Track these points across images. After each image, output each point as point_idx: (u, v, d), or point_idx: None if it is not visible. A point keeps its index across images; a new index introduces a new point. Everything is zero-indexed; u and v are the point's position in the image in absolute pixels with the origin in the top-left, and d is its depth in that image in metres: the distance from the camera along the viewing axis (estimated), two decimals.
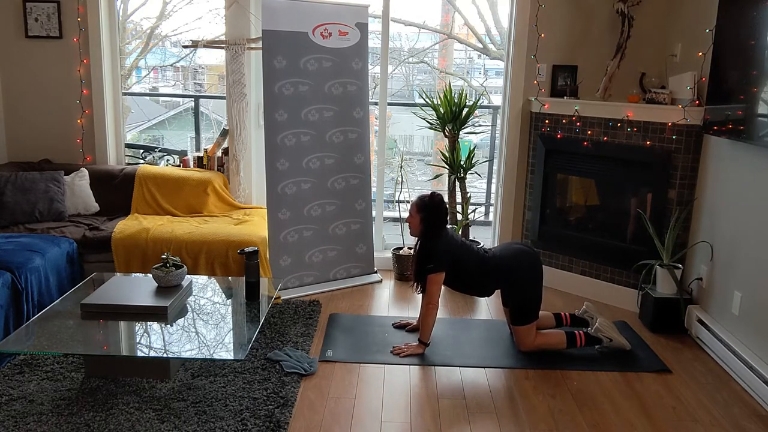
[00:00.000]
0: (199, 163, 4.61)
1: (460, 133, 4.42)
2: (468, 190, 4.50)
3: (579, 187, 4.30)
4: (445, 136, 4.47)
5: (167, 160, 5.09)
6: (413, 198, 3.46)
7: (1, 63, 4.45)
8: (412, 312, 3.80)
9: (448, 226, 3.38)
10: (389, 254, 4.51)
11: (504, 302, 3.41)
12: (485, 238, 4.69)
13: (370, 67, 4.28)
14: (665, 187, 3.73)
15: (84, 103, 4.49)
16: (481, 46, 7.53)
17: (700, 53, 3.57)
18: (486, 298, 3.93)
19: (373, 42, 4.75)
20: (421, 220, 3.27)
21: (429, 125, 4.54)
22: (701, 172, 3.65)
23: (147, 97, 8.39)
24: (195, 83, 8.49)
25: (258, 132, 4.50)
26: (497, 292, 3.39)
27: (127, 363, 2.88)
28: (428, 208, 3.26)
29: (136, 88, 7.99)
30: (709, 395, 2.96)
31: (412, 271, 3.47)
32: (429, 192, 3.34)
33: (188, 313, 2.98)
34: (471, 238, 4.49)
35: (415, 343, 3.29)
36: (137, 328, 2.83)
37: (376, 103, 4.64)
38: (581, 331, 3.31)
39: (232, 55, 4.29)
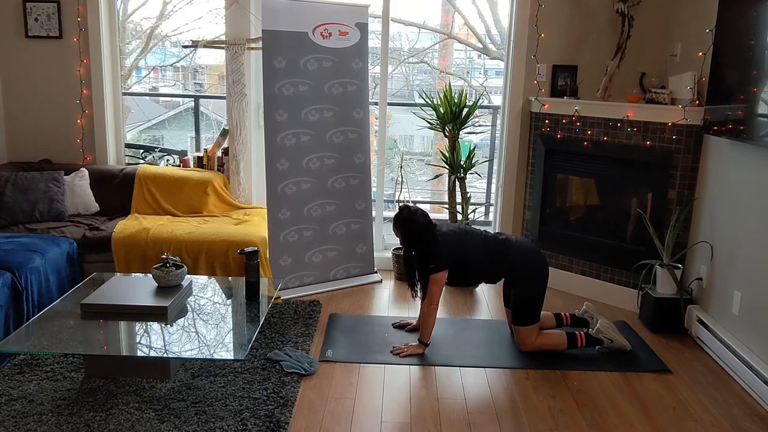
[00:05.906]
0: (199, 163, 4.61)
1: (460, 133, 4.42)
2: (468, 190, 4.50)
3: (579, 187, 4.30)
4: (445, 136, 4.47)
5: (167, 160, 5.08)
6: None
7: (1, 63, 4.45)
8: (412, 312, 3.80)
9: (442, 221, 3.37)
10: (389, 254, 4.52)
11: (505, 302, 3.41)
12: None
13: (370, 67, 4.27)
14: (665, 187, 3.73)
15: (84, 103, 4.49)
16: (481, 46, 7.53)
17: (700, 53, 3.57)
18: (486, 299, 3.93)
19: (373, 42, 4.75)
20: (404, 235, 3.30)
21: (429, 125, 4.54)
22: (701, 172, 3.65)
23: (147, 97, 8.39)
24: (195, 83, 8.49)
25: (258, 132, 4.50)
26: (501, 293, 3.38)
27: (127, 363, 2.88)
28: (403, 224, 3.27)
29: (136, 88, 7.99)
30: (709, 395, 2.96)
31: (405, 275, 3.45)
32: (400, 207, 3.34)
33: (188, 313, 2.98)
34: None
35: (415, 343, 3.29)
36: (137, 328, 2.83)
37: (376, 103, 4.64)
38: (582, 332, 3.31)
39: (232, 55, 4.29)
